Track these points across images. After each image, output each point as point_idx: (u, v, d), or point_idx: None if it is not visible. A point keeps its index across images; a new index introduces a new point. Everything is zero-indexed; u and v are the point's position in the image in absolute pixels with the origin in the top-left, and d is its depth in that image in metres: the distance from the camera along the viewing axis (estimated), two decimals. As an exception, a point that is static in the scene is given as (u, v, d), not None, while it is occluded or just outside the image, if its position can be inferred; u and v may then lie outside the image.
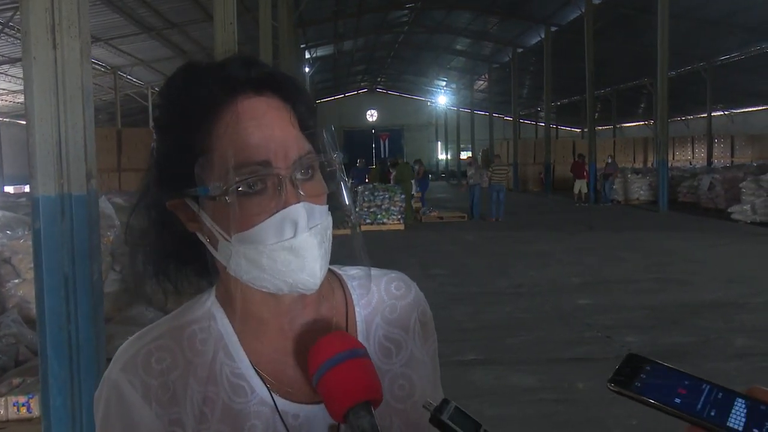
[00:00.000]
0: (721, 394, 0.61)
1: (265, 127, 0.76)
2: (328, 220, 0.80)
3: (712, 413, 0.59)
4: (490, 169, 18.51)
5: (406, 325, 0.92)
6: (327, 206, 0.80)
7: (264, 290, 0.79)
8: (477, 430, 0.73)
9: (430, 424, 0.73)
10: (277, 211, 0.75)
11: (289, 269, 0.76)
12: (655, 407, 0.61)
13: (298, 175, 0.76)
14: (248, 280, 0.78)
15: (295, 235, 0.75)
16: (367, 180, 20.81)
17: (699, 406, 0.60)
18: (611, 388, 0.63)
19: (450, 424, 0.72)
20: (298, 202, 0.75)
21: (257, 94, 0.78)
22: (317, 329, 0.85)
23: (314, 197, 0.77)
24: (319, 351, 0.77)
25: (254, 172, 0.74)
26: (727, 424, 0.58)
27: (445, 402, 0.74)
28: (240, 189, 0.74)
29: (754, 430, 0.57)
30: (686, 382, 0.62)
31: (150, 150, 0.83)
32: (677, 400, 0.61)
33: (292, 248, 0.75)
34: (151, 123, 0.82)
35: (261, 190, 0.75)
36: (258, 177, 0.74)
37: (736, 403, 0.60)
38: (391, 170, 19.83)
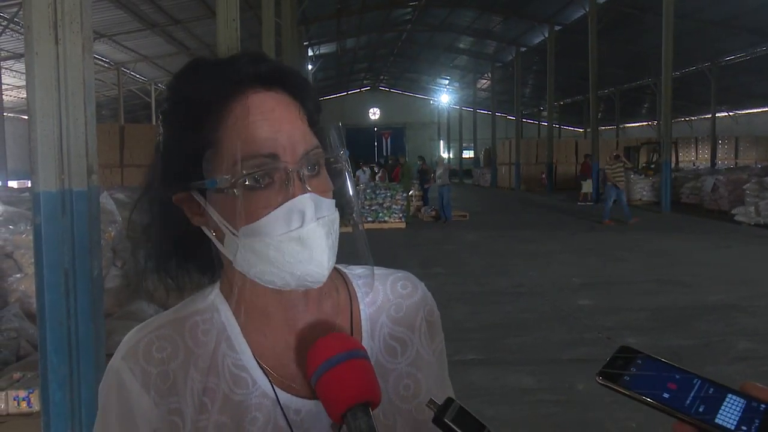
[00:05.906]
0: (712, 389, 0.59)
1: (274, 121, 0.77)
2: (335, 215, 0.80)
3: (701, 409, 0.57)
4: (608, 169, 16.74)
5: (412, 324, 0.92)
6: (334, 201, 0.80)
7: (270, 286, 0.78)
8: (481, 431, 0.71)
9: (433, 424, 0.72)
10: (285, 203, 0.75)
11: (297, 260, 0.75)
12: (642, 402, 0.60)
13: (305, 171, 0.76)
14: (255, 274, 0.78)
15: (302, 225, 0.75)
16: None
17: (688, 402, 0.58)
18: (599, 381, 0.62)
19: (453, 426, 0.71)
20: (305, 193, 0.75)
21: (266, 89, 0.79)
22: (320, 326, 0.85)
23: (321, 192, 0.78)
24: (317, 352, 0.76)
25: (262, 164, 0.74)
26: (716, 420, 0.56)
27: (449, 401, 0.73)
28: (247, 183, 0.74)
29: (743, 427, 0.55)
30: (677, 377, 0.61)
31: (155, 145, 0.83)
32: (666, 395, 0.59)
33: (300, 238, 0.75)
34: (156, 118, 0.81)
35: (268, 184, 0.75)
36: (265, 170, 0.75)
37: (727, 399, 0.58)
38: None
